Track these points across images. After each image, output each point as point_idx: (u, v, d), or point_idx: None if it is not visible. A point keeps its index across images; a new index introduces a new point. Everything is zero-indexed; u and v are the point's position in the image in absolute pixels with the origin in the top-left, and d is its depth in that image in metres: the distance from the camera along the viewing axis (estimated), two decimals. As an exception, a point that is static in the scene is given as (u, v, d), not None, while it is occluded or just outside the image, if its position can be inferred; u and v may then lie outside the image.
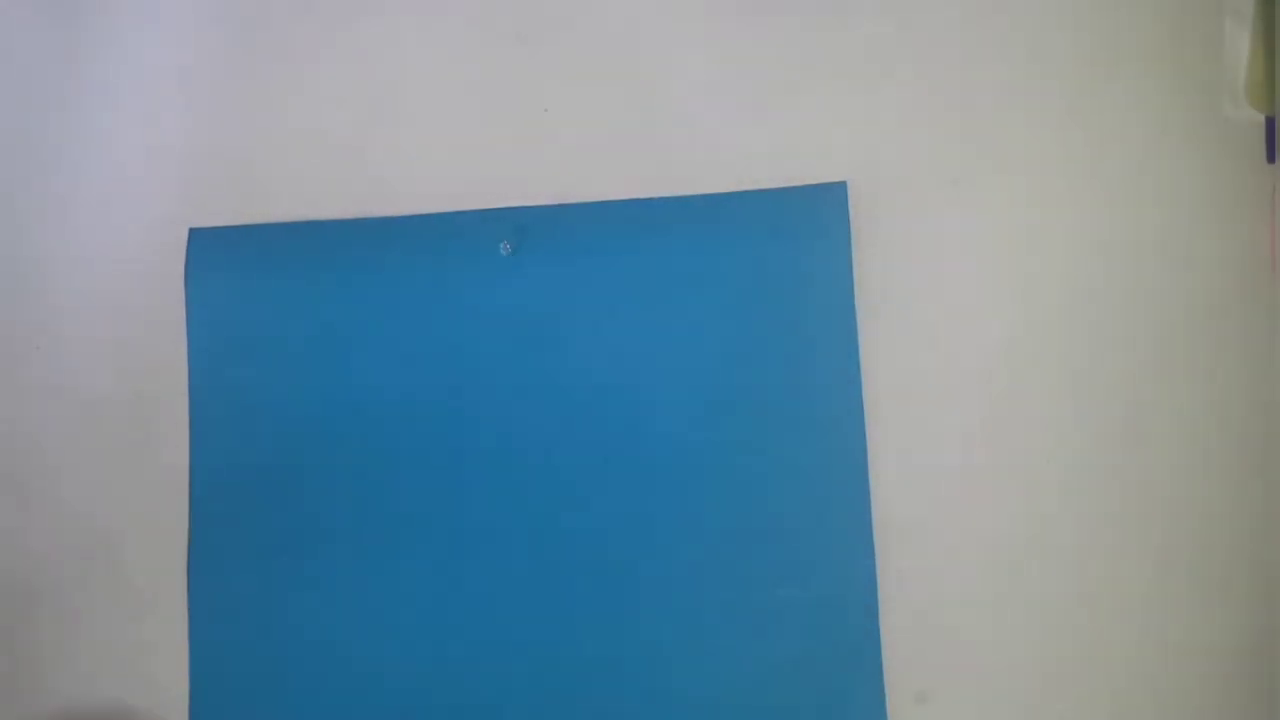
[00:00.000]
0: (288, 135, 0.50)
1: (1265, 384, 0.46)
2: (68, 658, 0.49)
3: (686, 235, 0.48)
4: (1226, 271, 0.47)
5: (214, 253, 0.49)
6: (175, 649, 0.48)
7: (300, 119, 0.50)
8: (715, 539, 0.47)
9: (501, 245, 0.48)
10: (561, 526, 0.47)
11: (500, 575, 0.47)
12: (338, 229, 0.48)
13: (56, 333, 0.50)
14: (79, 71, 0.52)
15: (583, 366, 0.47)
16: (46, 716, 0.48)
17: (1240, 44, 0.47)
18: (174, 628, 0.48)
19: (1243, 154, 0.47)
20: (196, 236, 0.49)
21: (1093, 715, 0.46)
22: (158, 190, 0.51)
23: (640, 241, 0.48)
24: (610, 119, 0.49)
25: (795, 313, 0.47)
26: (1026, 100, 0.48)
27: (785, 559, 0.46)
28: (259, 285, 0.46)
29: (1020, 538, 0.46)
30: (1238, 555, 0.46)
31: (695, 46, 0.49)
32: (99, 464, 0.49)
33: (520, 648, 0.46)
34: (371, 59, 0.50)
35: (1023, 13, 0.48)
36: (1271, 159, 0.47)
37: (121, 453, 0.49)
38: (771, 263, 0.48)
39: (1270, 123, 0.47)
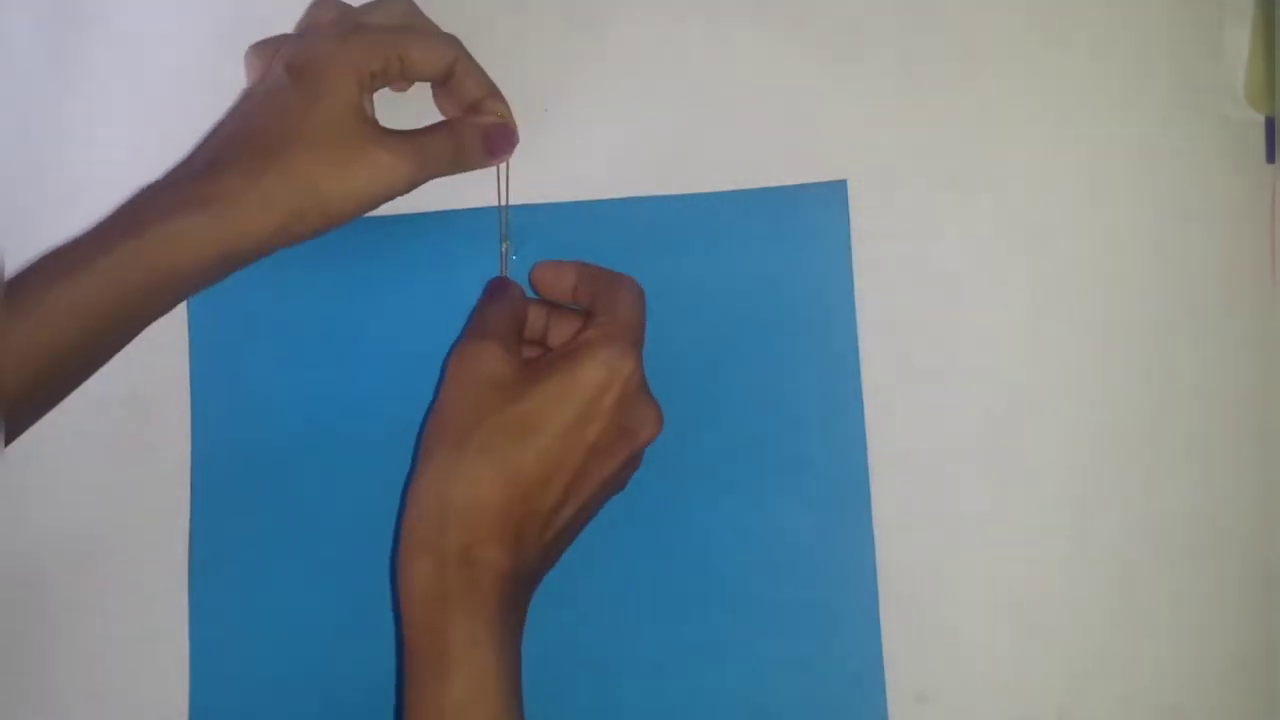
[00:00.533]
0: (288, 135, 0.50)
1: (1264, 383, 0.46)
2: (69, 656, 0.49)
3: (687, 234, 0.48)
4: (1226, 272, 0.47)
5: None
6: (176, 648, 0.48)
7: (300, 119, 0.50)
8: (715, 539, 0.47)
9: (501, 245, 0.48)
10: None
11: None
12: (337, 228, 0.48)
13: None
14: (79, 72, 0.52)
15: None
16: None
17: (1240, 44, 0.47)
18: (175, 627, 0.48)
19: (1243, 154, 0.47)
20: (196, 236, 0.49)
21: (1093, 715, 0.46)
22: (158, 190, 0.51)
23: (640, 240, 0.48)
24: (611, 119, 0.49)
25: (795, 311, 0.47)
26: (1026, 100, 0.48)
27: (785, 559, 0.46)
28: (260, 285, 0.46)
29: (1020, 538, 0.46)
30: (1237, 555, 0.46)
31: (696, 46, 0.49)
32: (99, 464, 0.49)
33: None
34: (371, 59, 0.50)
35: (1022, 13, 0.48)
36: (1271, 159, 0.47)
37: (121, 453, 0.49)
38: (771, 261, 0.48)
39: (1270, 123, 0.47)
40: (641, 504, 0.46)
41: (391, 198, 0.44)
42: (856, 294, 0.47)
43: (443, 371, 0.43)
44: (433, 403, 0.42)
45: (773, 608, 0.46)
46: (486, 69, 0.48)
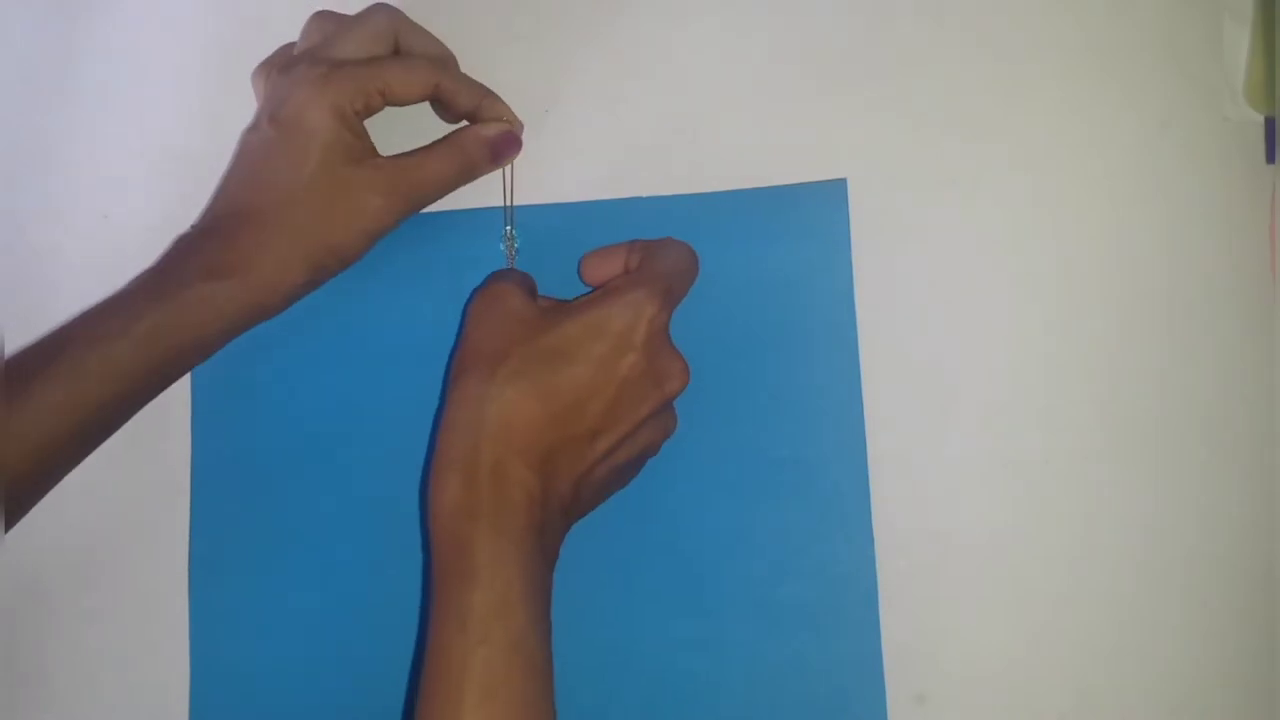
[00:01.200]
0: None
1: (1264, 383, 0.46)
2: (69, 657, 0.49)
3: (687, 233, 0.48)
4: (1226, 271, 0.47)
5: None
6: (176, 648, 0.48)
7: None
8: (715, 539, 0.47)
9: (501, 245, 0.48)
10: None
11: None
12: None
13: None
14: (79, 71, 0.52)
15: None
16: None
17: (1240, 44, 0.47)
18: (175, 627, 0.48)
19: (1243, 154, 0.47)
20: (196, 236, 0.49)
21: (1093, 715, 0.46)
22: (158, 190, 0.51)
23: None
24: (611, 119, 0.49)
25: (795, 310, 0.47)
26: (1026, 100, 0.48)
27: (785, 559, 0.46)
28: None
29: (1020, 538, 0.46)
30: (1238, 555, 0.46)
31: (696, 47, 0.49)
32: (99, 464, 0.49)
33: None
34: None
35: (1022, 13, 0.48)
36: (1271, 159, 0.47)
37: (122, 453, 0.49)
38: (772, 260, 0.48)
39: (1270, 123, 0.47)
40: (641, 503, 0.46)
41: (395, 227, 0.46)
42: (856, 294, 0.47)
43: (465, 313, 0.44)
44: (458, 340, 0.43)
45: (773, 608, 0.46)
46: (488, 69, 0.48)
